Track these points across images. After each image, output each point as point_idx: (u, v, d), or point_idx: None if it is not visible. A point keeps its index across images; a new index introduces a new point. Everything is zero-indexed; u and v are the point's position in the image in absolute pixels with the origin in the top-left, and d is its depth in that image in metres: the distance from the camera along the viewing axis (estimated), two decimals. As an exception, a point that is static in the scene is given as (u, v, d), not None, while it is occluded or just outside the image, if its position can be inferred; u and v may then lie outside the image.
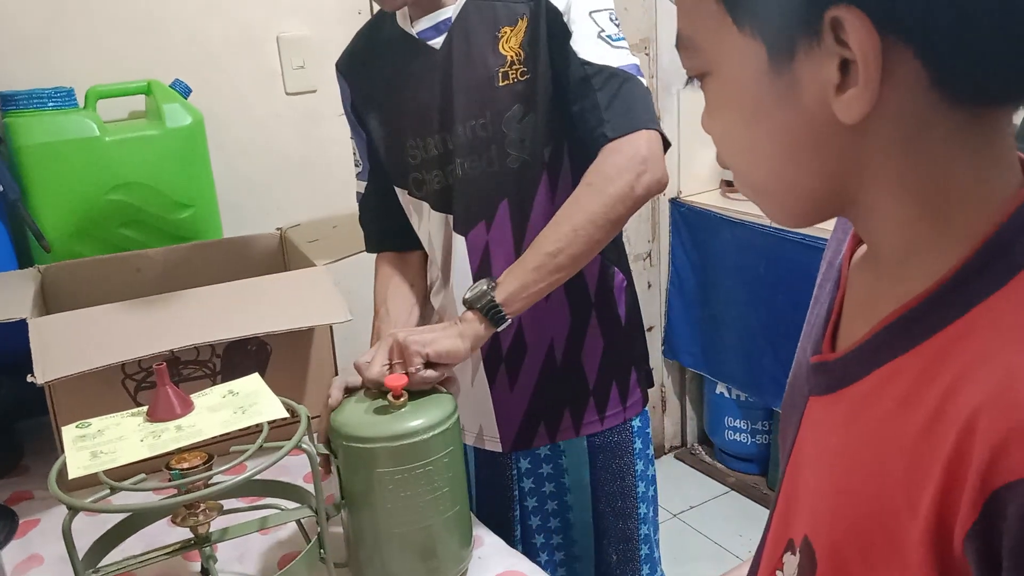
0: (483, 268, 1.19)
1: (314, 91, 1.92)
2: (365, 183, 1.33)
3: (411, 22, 1.18)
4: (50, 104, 1.54)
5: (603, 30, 1.09)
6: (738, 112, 0.50)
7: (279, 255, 1.62)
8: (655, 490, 1.38)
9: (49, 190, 1.51)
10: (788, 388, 0.63)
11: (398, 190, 1.27)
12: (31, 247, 1.56)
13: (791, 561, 0.55)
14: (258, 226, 1.65)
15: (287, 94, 1.90)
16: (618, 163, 1.04)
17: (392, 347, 1.00)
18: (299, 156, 1.93)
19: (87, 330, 1.21)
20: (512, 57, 1.11)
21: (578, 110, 1.09)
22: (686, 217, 2.57)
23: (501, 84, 1.12)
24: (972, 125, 0.45)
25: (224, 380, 1.22)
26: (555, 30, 1.09)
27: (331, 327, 1.34)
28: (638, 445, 1.31)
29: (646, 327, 1.67)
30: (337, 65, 1.31)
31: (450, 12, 1.15)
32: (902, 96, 0.44)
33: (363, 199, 1.34)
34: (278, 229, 1.63)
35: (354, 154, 1.34)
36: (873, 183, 0.48)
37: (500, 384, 1.25)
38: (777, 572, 0.58)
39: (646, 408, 1.34)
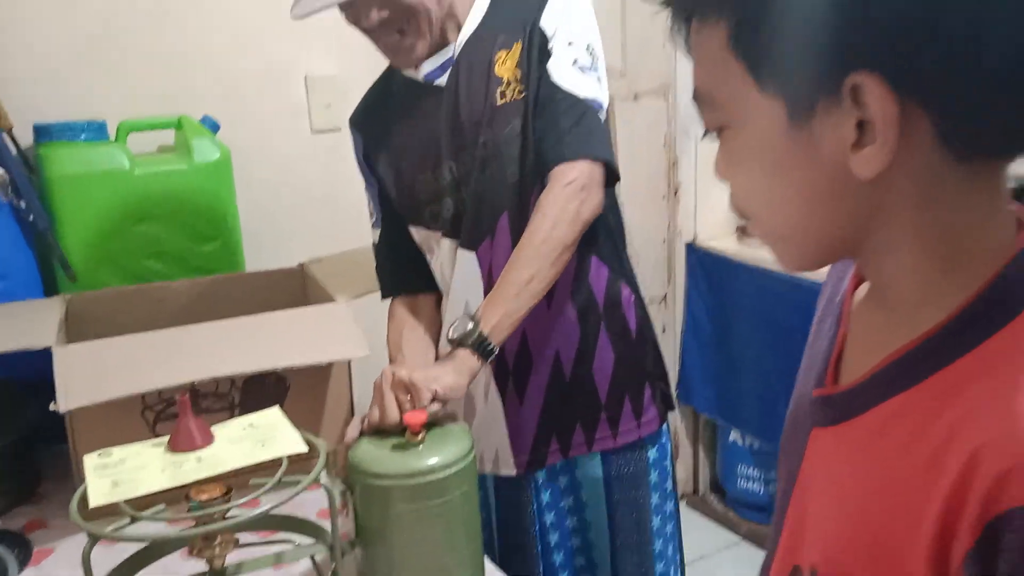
0: (491, 282, 1.22)
1: (339, 129, 1.96)
2: (379, 231, 1.37)
3: (416, 68, 1.24)
4: (82, 137, 1.58)
5: (577, 60, 1.17)
6: (757, 164, 0.53)
7: (300, 289, 1.64)
8: (675, 527, 1.37)
9: (78, 220, 1.55)
10: (788, 420, 0.65)
11: (414, 229, 1.31)
12: (57, 275, 1.58)
13: None
14: (280, 260, 1.68)
15: (313, 132, 1.94)
16: (567, 191, 1.13)
17: (396, 385, 1.01)
18: (322, 193, 1.96)
19: (110, 359, 1.22)
20: (508, 77, 1.18)
21: (540, 126, 1.17)
22: (702, 261, 2.58)
23: (500, 103, 1.18)
24: (975, 179, 0.49)
25: (242, 413, 1.23)
26: (542, 52, 1.17)
27: (349, 362, 1.35)
28: (654, 477, 1.31)
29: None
30: (351, 119, 1.38)
31: (451, 51, 1.22)
32: (914, 153, 0.47)
33: (377, 247, 1.39)
34: (300, 264, 1.65)
35: (368, 205, 1.39)
36: (884, 230, 0.50)
37: (511, 399, 1.27)
38: None
39: (665, 440, 1.34)
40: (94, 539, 0.82)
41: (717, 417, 2.68)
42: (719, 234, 2.64)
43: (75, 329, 1.47)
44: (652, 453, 1.31)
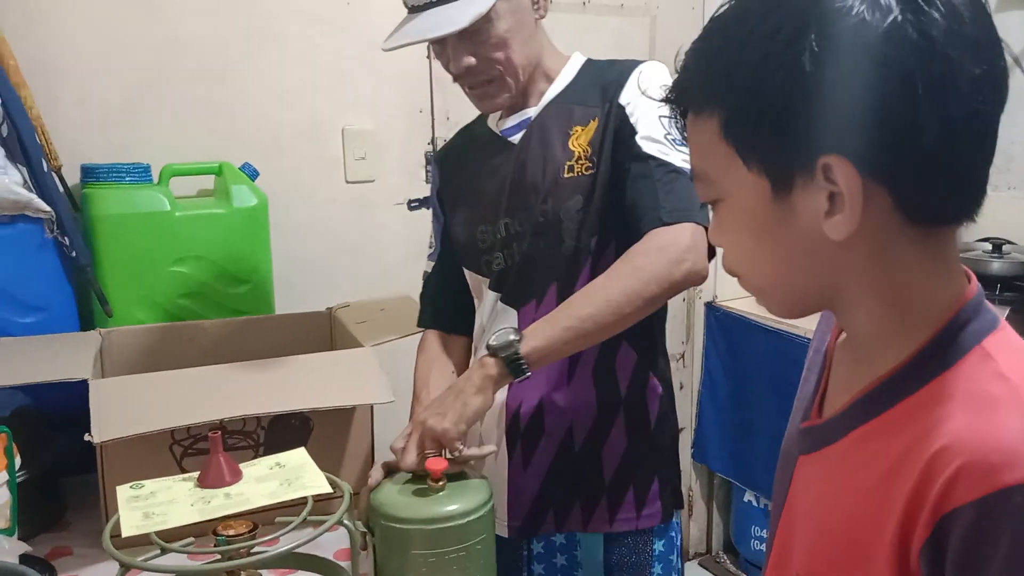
0: None
1: (372, 181, 2.03)
2: (433, 264, 1.41)
3: (498, 121, 1.29)
4: (127, 179, 1.64)
5: (669, 133, 1.15)
6: (745, 230, 0.63)
7: (327, 334, 1.67)
8: None
9: (118, 258, 1.60)
10: (781, 453, 0.75)
11: (468, 273, 1.33)
12: (94, 310, 1.63)
13: None
14: (309, 304, 1.72)
15: (347, 182, 2.00)
16: (662, 245, 1.08)
17: (423, 435, 1.04)
18: (353, 241, 2.02)
19: (142, 394, 1.26)
20: (580, 153, 1.19)
21: (632, 196, 1.14)
22: (721, 321, 2.60)
23: (566, 176, 1.19)
24: (927, 240, 0.58)
25: (266, 452, 1.26)
26: (621, 126, 1.17)
27: (372, 407, 1.39)
28: (657, 570, 1.28)
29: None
30: (435, 154, 1.44)
31: (532, 112, 1.25)
32: (875, 218, 0.56)
33: (428, 277, 1.42)
34: (328, 309, 1.69)
35: (430, 237, 1.42)
36: (852, 285, 0.60)
37: (516, 462, 1.26)
38: None
39: (674, 535, 1.30)
40: (124, 568, 0.85)
41: (732, 477, 2.67)
42: (738, 294, 2.66)
43: (109, 363, 1.52)
44: (657, 546, 1.28)
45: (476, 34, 1.14)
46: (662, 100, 0.65)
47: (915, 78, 0.52)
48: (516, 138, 1.25)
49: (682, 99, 0.64)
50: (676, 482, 1.30)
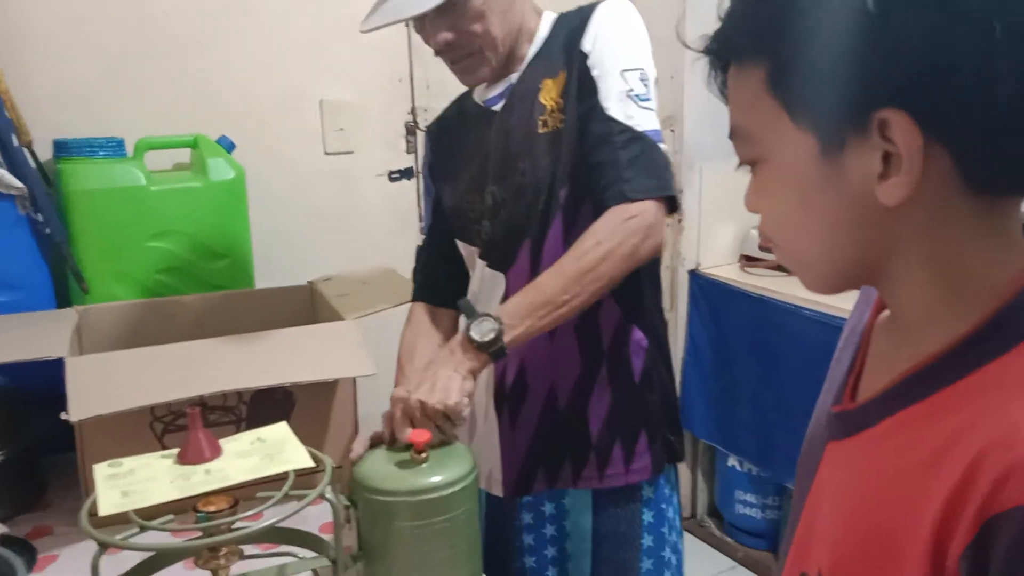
0: None
1: (352, 152, 2.00)
2: (425, 237, 1.41)
3: (484, 90, 1.28)
4: (101, 153, 1.61)
5: (631, 89, 1.13)
6: (787, 194, 0.57)
7: (309, 307, 1.66)
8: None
9: (93, 234, 1.58)
10: (806, 440, 0.69)
11: (461, 244, 1.33)
12: (70, 287, 1.61)
13: None
14: (290, 278, 1.70)
15: (326, 154, 1.98)
16: (628, 226, 1.09)
17: (406, 410, 1.03)
18: (333, 213, 2.00)
19: (120, 371, 1.25)
20: (552, 105, 1.18)
21: (595, 163, 1.13)
22: (704, 289, 2.60)
23: (540, 132, 1.18)
24: (989, 212, 0.53)
25: (249, 427, 1.25)
26: (583, 75, 1.16)
27: (354, 380, 1.38)
28: (647, 542, 1.27)
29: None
30: (427, 128, 1.42)
31: (514, 77, 1.24)
32: (934, 185, 0.51)
33: (419, 251, 1.42)
34: (309, 282, 1.68)
35: (422, 210, 1.42)
36: (902, 257, 0.55)
37: (505, 423, 1.27)
38: None
39: (665, 482, 1.29)
40: (103, 547, 0.84)
41: (716, 443, 2.69)
42: (722, 262, 2.66)
43: (87, 341, 1.50)
44: (647, 516, 1.27)
45: (453, 8, 1.13)
46: (702, 51, 0.59)
47: (993, 23, 0.47)
48: (499, 106, 1.24)
49: (725, 50, 0.58)
50: (669, 437, 1.29)
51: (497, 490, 1.30)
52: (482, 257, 1.27)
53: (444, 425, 1.02)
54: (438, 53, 1.21)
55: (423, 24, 1.18)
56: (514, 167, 1.20)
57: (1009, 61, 0.47)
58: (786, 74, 0.54)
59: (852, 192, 0.53)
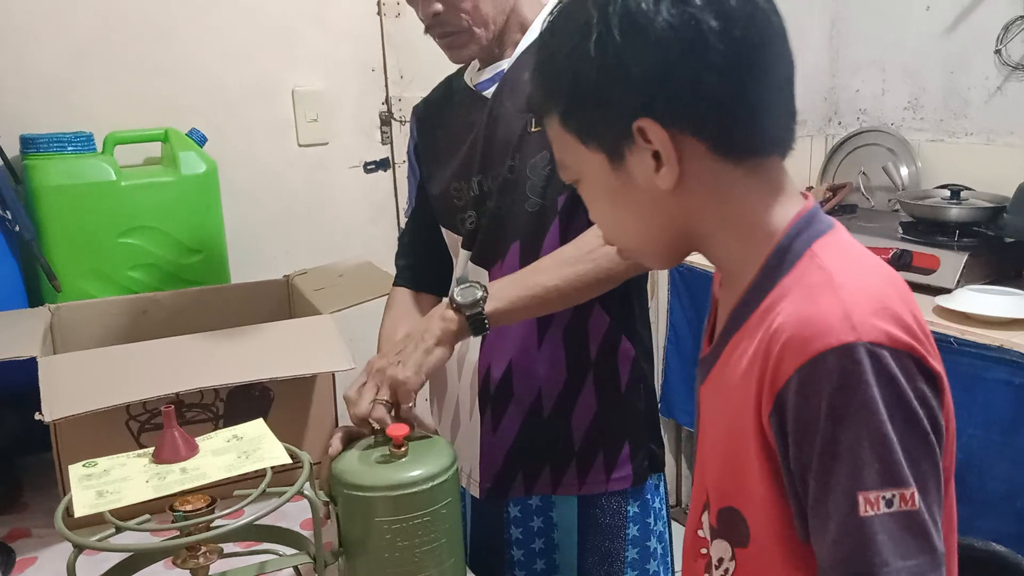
0: None
1: (326, 143, 1.98)
2: (407, 221, 1.38)
3: (474, 73, 1.25)
4: (69, 148, 1.59)
5: None
6: (603, 201, 0.75)
7: (285, 302, 1.65)
8: None
9: (64, 231, 1.55)
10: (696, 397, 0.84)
11: (445, 232, 1.31)
12: (42, 286, 1.59)
13: (705, 517, 0.77)
14: (265, 273, 1.69)
15: (299, 145, 1.96)
16: None
17: (379, 382, 1.02)
18: (308, 206, 1.98)
19: (95, 370, 1.23)
20: None
21: None
22: (684, 277, 2.61)
23: (533, 130, 1.16)
24: (755, 172, 0.70)
25: (227, 424, 1.24)
26: None
27: (333, 375, 1.37)
28: (632, 532, 1.27)
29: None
30: (413, 109, 1.38)
31: (506, 64, 1.21)
32: (696, 163, 0.68)
33: (400, 236, 1.39)
34: (285, 276, 1.66)
35: (405, 196, 1.39)
36: (700, 224, 0.72)
37: (487, 424, 1.25)
38: (698, 531, 0.79)
39: (648, 495, 1.28)
40: (79, 549, 0.83)
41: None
42: (701, 249, 2.67)
43: (60, 340, 1.48)
44: (632, 507, 1.27)
45: None
46: (523, 111, 0.80)
47: (672, 40, 0.64)
48: (490, 92, 1.22)
49: (533, 109, 0.81)
50: (651, 446, 1.28)
51: (474, 490, 1.28)
52: (465, 247, 1.25)
53: (404, 400, 1.01)
54: (428, 28, 1.19)
55: None
56: (503, 160, 1.18)
57: (704, 63, 0.64)
58: (569, 114, 0.71)
59: (642, 187, 0.70)
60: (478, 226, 1.23)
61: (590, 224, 1.11)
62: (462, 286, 1.06)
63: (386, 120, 2.08)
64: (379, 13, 2.00)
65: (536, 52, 0.76)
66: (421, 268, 1.35)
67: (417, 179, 1.36)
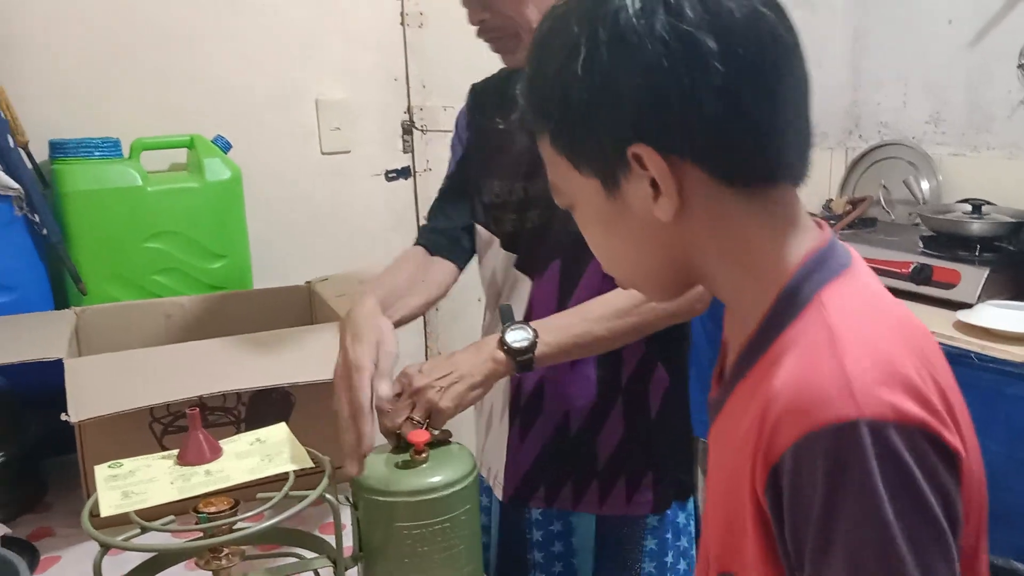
0: (529, 315, 1.21)
1: (348, 152, 2.00)
2: (441, 187, 1.37)
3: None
4: (97, 154, 1.61)
5: None
6: (597, 228, 0.69)
7: (306, 308, 1.66)
8: None
9: (90, 235, 1.58)
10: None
11: (479, 227, 1.30)
12: (68, 289, 1.61)
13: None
14: (287, 278, 1.70)
15: (322, 153, 1.98)
16: (691, 293, 1.06)
17: (417, 401, 1.02)
18: (329, 213, 2.00)
19: (120, 372, 1.25)
20: None
21: None
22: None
23: None
24: (762, 201, 0.63)
25: (248, 427, 1.25)
26: None
27: (353, 381, 1.37)
28: (650, 544, 1.26)
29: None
30: (473, 84, 1.37)
31: None
32: (698, 191, 0.61)
33: (432, 206, 1.37)
34: (306, 282, 1.68)
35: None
36: (702, 257, 0.65)
37: (514, 433, 1.26)
38: None
39: (668, 533, 1.27)
40: (105, 548, 0.84)
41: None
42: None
43: (85, 342, 1.50)
44: (650, 543, 1.25)
45: None
46: (519, 128, 0.68)
47: (665, 60, 0.57)
48: None
49: (526, 125, 0.72)
50: (677, 475, 1.26)
51: (498, 492, 1.30)
52: (506, 248, 1.24)
53: (436, 427, 1.01)
54: (478, 33, 1.18)
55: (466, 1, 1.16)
56: (545, 174, 1.18)
57: (702, 84, 0.58)
58: (559, 136, 0.65)
59: (638, 217, 0.64)
60: (519, 231, 1.23)
61: None
62: (513, 327, 1.06)
63: (408, 129, 2.10)
64: (402, 24, 2.02)
65: (526, 67, 0.69)
66: (443, 234, 1.32)
67: (463, 148, 1.34)
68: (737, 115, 0.59)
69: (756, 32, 0.59)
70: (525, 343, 1.04)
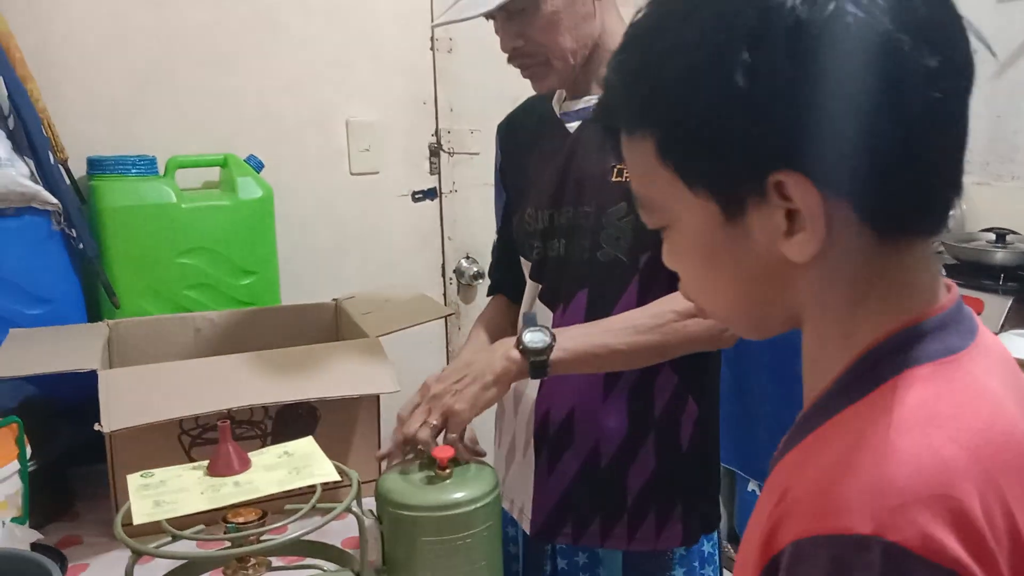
0: None
1: (377, 173, 2.04)
2: (496, 239, 1.41)
3: (561, 102, 1.24)
4: (133, 171, 1.65)
5: None
6: (697, 257, 0.58)
7: (333, 325, 1.68)
8: None
9: (125, 250, 1.61)
10: None
11: (521, 258, 1.31)
12: (101, 302, 1.65)
13: None
14: (315, 296, 1.73)
15: (351, 174, 2.01)
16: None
17: (433, 407, 1.04)
18: (358, 232, 2.03)
19: (151, 385, 1.27)
20: None
21: None
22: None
23: (613, 180, 1.14)
24: (894, 254, 0.53)
25: (274, 441, 1.27)
26: None
27: (378, 397, 1.39)
28: (677, 575, 1.24)
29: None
30: (499, 127, 1.38)
31: (594, 100, 1.18)
32: (840, 234, 0.51)
33: (493, 248, 1.42)
34: (334, 300, 1.70)
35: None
36: (819, 307, 0.55)
37: (542, 465, 1.23)
38: None
39: (696, 562, 1.25)
40: (136, 555, 0.86)
41: (734, 466, 2.68)
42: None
43: (117, 354, 1.53)
44: (679, 551, 1.24)
45: (522, 14, 1.11)
46: (592, 120, 0.58)
47: (865, 76, 0.47)
48: (572, 126, 1.20)
49: (610, 119, 0.58)
50: (705, 506, 1.25)
51: (525, 525, 1.26)
52: (533, 278, 1.25)
53: (453, 430, 1.03)
54: (509, 59, 1.18)
55: (498, 27, 1.16)
56: (577, 201, 1.17)
57: (886, 109, 0.47)
58: (673, 145, 0.53)
59: (758, 251, 0.53)
60: (544, 259, 1.22)
61: (671, 286, 1.08)
62: (532, 329, 1.06)
63: (435, 151, 2.13)
64: (432, 49, 2.06)
65: (626, 42, 0.56)
66: (510, 279, 1.35)
67: (503, 199, 1.36)
68: (918, 150, 0.49)
69: (958, 42, 0.50)
70: (541, 344, 1.05)
